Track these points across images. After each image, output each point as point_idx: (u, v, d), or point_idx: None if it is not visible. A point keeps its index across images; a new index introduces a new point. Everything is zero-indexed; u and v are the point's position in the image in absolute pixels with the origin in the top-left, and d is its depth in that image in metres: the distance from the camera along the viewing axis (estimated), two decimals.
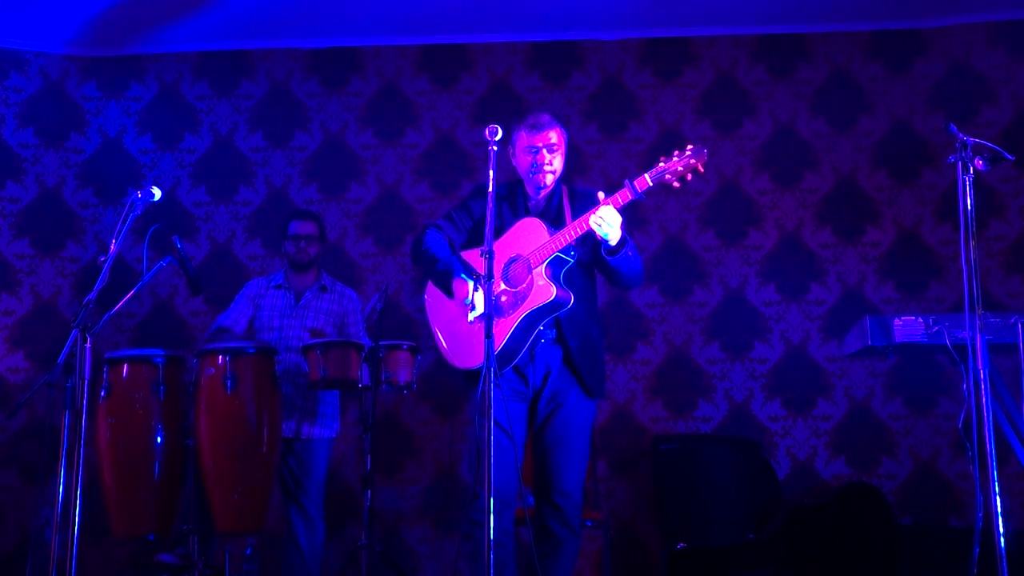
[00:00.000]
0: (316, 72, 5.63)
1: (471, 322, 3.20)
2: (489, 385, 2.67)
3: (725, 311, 5.26)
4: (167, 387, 3.89)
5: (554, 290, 3.16)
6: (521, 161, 3.39)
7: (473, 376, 3.28)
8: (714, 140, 5.43)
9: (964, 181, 3.19)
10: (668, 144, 5.40)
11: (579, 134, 5.41)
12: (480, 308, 3.19)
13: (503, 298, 3.22)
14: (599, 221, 3.09)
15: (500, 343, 3.16)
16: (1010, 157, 3.17)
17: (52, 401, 5.20)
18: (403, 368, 4.15)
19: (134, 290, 3.40)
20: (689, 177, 3.11)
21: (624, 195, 3.12)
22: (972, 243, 3.14)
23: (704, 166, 3.08)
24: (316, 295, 4.49)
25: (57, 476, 2.94)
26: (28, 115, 5.53)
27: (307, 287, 4.51)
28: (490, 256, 2.83)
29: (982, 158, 3.18)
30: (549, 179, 3.35)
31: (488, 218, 2.90)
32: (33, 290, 5.37)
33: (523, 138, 3.36)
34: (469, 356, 3.29)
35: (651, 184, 3.11)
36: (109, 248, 3.19)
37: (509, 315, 3.20)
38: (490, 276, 2.80)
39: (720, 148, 5.42)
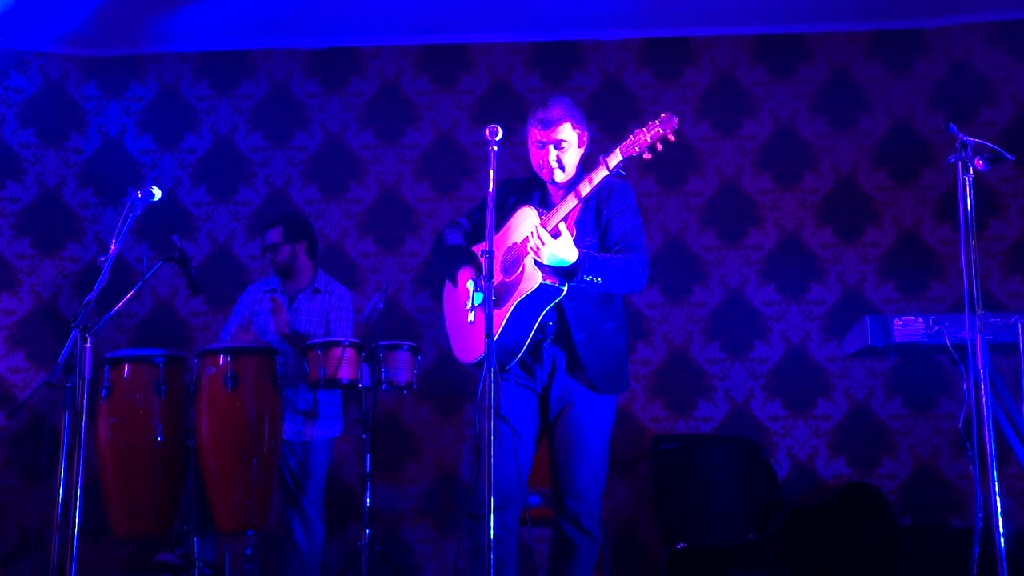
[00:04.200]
0: (316, 72, 5.63)
1: (470, 321, 3.19)
2: (489, 383, 2.66)
3: (725, 311, 5.26)
4: (167, 387, 3.89)
5: (539, 277, 3.02)
6: (531, 155, 3.28)
7: (480, 368, 3.28)
8: (714, 140, 5.43)
9: (964, 181, 3.19)
10: (669, 144, 5.42)
11: None
12: (477, 302, 3.17)
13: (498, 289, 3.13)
14: (534, 245, 2.97)
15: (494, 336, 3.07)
16: (1010, 157, 3.17)
17: (52, 401, 5.19)
18: (403, 368, 4.16)
19: (134, 290, 3.41)
20: (659, 147, 2.96)
21: (598, 172, 3.03)
22: (972, 243, 3.14)
23: (674, 133, 2.94)
24: (308, 297, 4.48)
25: (57, 476, 2.93)
26: (28, 115, 5.53)
27: (300, 290, 4.50)
28: (490, 256, 2.81)
29: (982, 158, 3.18)
30: (558, 175, 3.23)
31: (488, 218, 2.87)
32: (33, 290, 5.37)
33: (532, 132, 3.25)
34: (469, 350, 3.25)
35: (622, 158, 2.99)
36: (109, 248, 3.19)
37: (501, 306, 3.09)
38: (490, 275, 2.78)
39: (720, 148, 5.42)
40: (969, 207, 3.17)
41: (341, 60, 5.62)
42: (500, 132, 3.01)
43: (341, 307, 4.49)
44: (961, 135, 3.20)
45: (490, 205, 2.90)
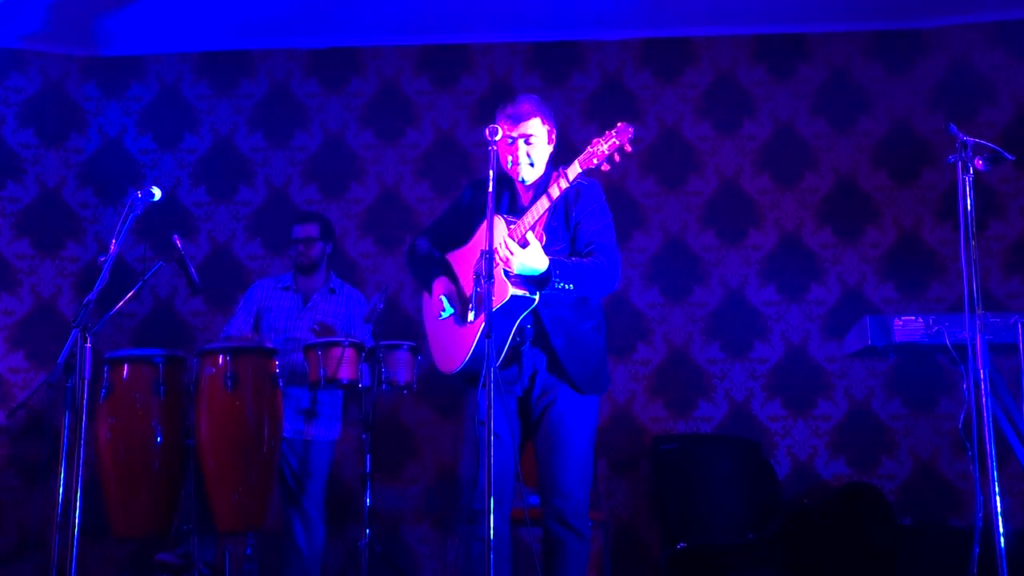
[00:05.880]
0: (316, 72, 5.62)
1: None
2: (489, 385, 2.66)
3: (725, 311, 5.26)
4: (167, 387, 3.88)
5: (509, 288, 3.02)
6: (500, 151, 3.18)
7: (462, 377, 3.27)
8: (714, 140, 5.43)
9: (964, 181, 3.19)
10: (669, 144, 5.45)
11: (579, 134, 5.40)
12: (450, 308, 3.21)
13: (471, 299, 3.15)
14: (504, 256, 2.95)
15: (472, 344, 3.10)
16: (1010, 157, 3.17)
17: (52, 401, 5.19)
18: (403, 368, 4.15)
19: (134, 290, 3.41)
20: (617, 158, 2.91)
21: (559, 184, 2.98)
22: (972, 243, 3.14)
23: (631, 143, 2.88)
24: (324, 297, 4.49)
25: (57, 476, 2.93)
26: (28, 115, 5.53)
27: (315, 289, 4.51)
28: (490, 255, 2.81)
29: (982, 158, 3.18)
30: (527, 172, 3.19)
31: (488, 218, 2.87)
32: (33, 290, 5.37)
33: (501, 128, 3.14)
34: (449, 360, 3.25)
35: (581, 171, 2.95)
36: (109, 248, 3.19)
37: (477, 317, 3.10)
38: (490, 275, 2.78)
39: (720, 148, 5.42)
40: (969, 207, 3.17)
41: (341, 60, 5.62)
42: (500, 132, 3.01)
43: (361, 312, 4.52)
44: (961, 135, 3.20)
45: (490, 205, 2.90)
